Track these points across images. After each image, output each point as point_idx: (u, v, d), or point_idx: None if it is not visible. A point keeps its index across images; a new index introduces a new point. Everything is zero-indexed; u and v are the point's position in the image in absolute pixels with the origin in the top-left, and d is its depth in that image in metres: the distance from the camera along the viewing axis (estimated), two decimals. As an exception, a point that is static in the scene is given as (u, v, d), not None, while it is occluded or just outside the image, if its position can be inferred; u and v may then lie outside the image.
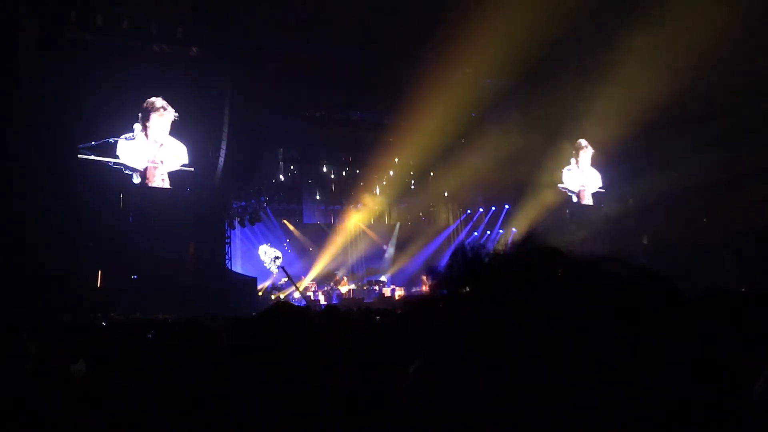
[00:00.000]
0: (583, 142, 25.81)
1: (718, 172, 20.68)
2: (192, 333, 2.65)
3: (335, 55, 20.10)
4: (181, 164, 18.71)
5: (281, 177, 24.15)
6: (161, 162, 18.38)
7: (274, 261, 23.64)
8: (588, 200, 25.91)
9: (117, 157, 17.72)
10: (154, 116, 18.33)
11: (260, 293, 21.13)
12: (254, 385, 2.17)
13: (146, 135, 18.21)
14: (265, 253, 23.89)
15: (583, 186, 25.89)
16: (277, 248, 24.05)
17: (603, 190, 26.03)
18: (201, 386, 2.45)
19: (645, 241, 26.05)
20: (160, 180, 18.38)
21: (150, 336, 3.66)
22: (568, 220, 25.12)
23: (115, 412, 2.39)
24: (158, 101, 18.37)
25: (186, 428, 2.19)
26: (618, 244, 25.12)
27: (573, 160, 25.81)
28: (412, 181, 25.57)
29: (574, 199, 25.70)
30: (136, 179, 18.08)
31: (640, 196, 23.50)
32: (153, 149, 18.31)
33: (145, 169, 18.16)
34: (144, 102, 18.24)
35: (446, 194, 26.32)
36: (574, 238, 24.43)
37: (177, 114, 18.53)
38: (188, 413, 2.25)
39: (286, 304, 2.37)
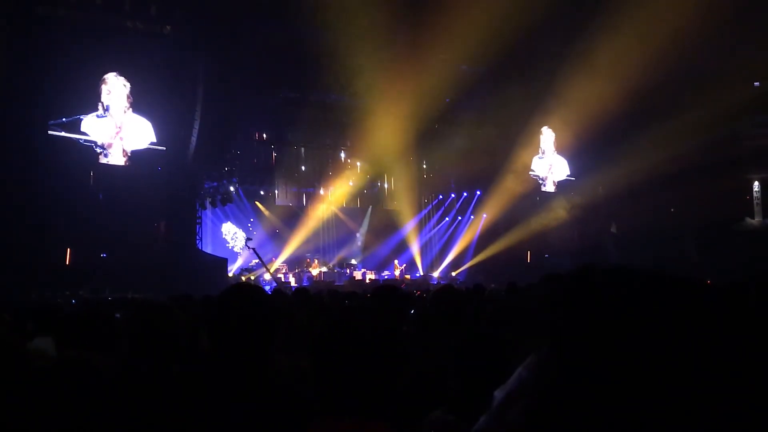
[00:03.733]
0: (549, 129, 26.01)
1: (687, 163, 20.99)
2: (157, 313, 2.70)
3: (310, 37, 20.01)
4: (149, 142, 18.55)
5: (254, 158, 24.01)
6: (121, 138, 18.19)
7: (243, 241, 23.60)
8: (554, 187, 26.17)
9: (84, 133, 17.55)
10: (111, 90, 18.13)
11: (230, 274, 21.10)
12: (218, 364, 2.23)
13: (106, 110, 18.00)
14: (228, 231, 23.81)
15: (551, 173, 26.14)
16: (240, 227, 23.99)
17: (573, 178, 26.29)
18: (165, 366, 2.51)
19: (614, 230, 26.41)
20: (119, 157, 18.19)
21: (117, 316, 3.71)
22: (537, 207, 25.33)
23: (80, 390, 2.44)
24: (113, 75, 18.15)
25: (150, 407, 2.24)
26: (586, 231, 25.47)
27: (543, 148, 26.03)
28: (385, 166, 25.59)
29: (544, 185, 25.95)
30: (107, 157, 17.94)
31: (610, 185, 23.78)
32: (112, 125, 18.10)
33: (106, 145, 17.99)
34: (102, 78, 18.05)
35: (419, 179, 26.39)
36: (544, 224, 24.71)
37: (129, 89, 18.33)
38: (153, 392, 2.30)
39: (245, 285, 2.43)
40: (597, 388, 0.79)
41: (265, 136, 24.17)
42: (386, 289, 3.98)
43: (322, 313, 4.54)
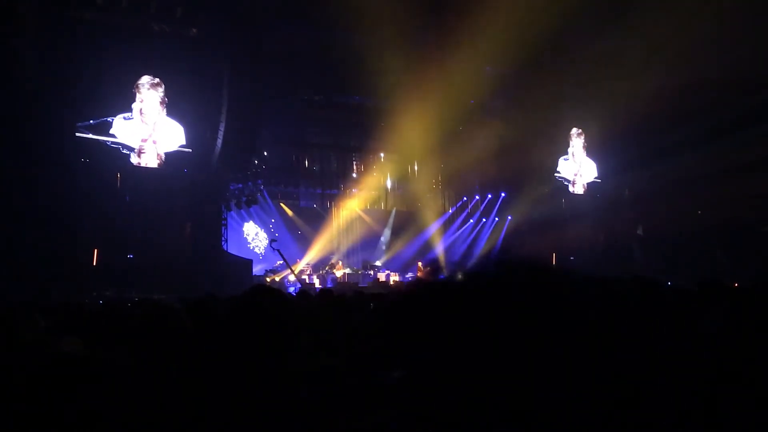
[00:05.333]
0: (579, 131, 25.82)
1: (715, 165, 20.75)
2: (182, 312, 2.70)
3: (335, 39, 20.06)
4: (179, 145, 18.73)
5: (278, 160, 24.14)
6: (154, 141, 18.38)
7: (265, 241, 23.72)
8: (583, 189, 25.96)
9: (113, 135, 17.75)
10: (144, 94, 18.33)
11: (255, 275, 21.20)
12: (240, 365, 2.22)
13: (140, 114, 18.23)
14: (250, 231, 23.92)
15: (578, 175, 25.94)
16: (262, 228, 24.09)
17: (599, 180, 26.07)
18: (189, 364, 2.51)
19: (640, 232, 26.16)
20: (152, 159, 18.38)
21: (141, 314, 3.72)
22: (563, 209, 25.16)
23: (105, 386, 2.44)
24: (148, 78, 18.36)
25: (175, 405, 2.24)
26: (613, 234, 25.26)
27: (570, 149, 25.85)
28: (409, 167, 25.59)
29: (570, 188, 25.75)
30: (134, 159, 18.12)
31: (636, 187, 23.56)
32: (146, 128, 18.32)
33: (139, 148, 18.19)
34: (136, 80, 18.25)
35: (443, 181, 26.35)
36: (570, 227, 24.53)
37: (164, 92, 18.53)
38: (176, 390, 2.30)
39: (266, 287, 2.42)
40: None
41: (289, 137, 24.29)
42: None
43: (349, 313, 4.54)
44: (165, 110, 18.56)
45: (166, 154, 18.58)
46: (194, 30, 19.29)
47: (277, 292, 2.44)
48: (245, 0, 18.96)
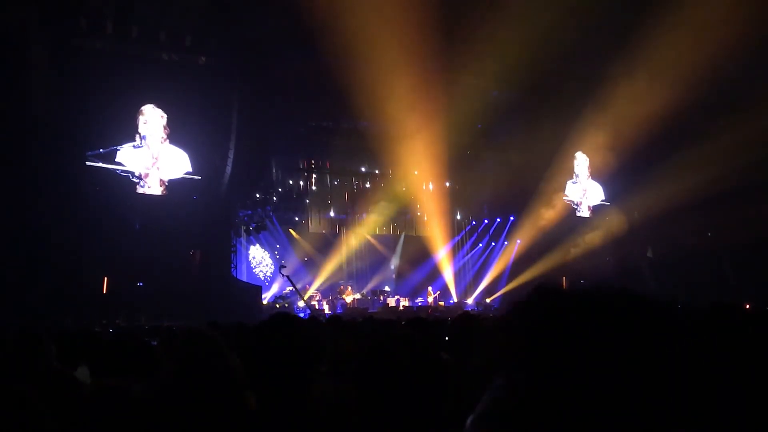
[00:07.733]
0: (586, 154, 25.79)
1: (724, 186, 20.66)
2: (196, 340, 2.69)
3: (342, 65, 20.18)
4: (185, 172, 18.78)
5: (287, 186, 24.21)
6: (157, 168, 18.46)
7: (270, 266, 23.74)
8: (591, 213, 25.90)
9: (119, 163, 17.85)
10: (147, 121, 18.44)
11: (265, 302, 21.17)
12: (258, 391, 2.21)
13: (143, 141, 18.32)
14: (255, 256, 23.92)
15: (585, 198, 25.89)
16: (267, 253, 24.10)
17: (607, 203, 26.01)
18: (205, 392, 2.50)
19: (650, 254, 26.04)
20: (155, 186, 18.44)
21: (154, 343, 3.72)
22: (572, 232, 25.06)
23: (118, 417, 2.43)
24: (151, 106, 18.48)
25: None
26: (623, 256, 25.14)
27: (577, 172, 25.81)
28: (418, 192, 25.58)
29: (579, 211, 25.68)
30: (144, 187, 18.20)
31: (645, 210, 23.47)
32: (150, 155, 18.40)
33: (145, 175, 18.28)
34: (139, 109, 18.38)
35: (451, 205, 26.31)
36: (579, 249, 24.45)
37: (167, 119, 18.62)
38: (191, 419, 2.28)
39: (287, 314, 2.42)
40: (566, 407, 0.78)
41: (298, 163, 24.38)
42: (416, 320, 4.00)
43: (358, 340, 4.53)
44: (167, 137, 18.65)
45: (175, 181, 18.65)
46: (203, 58, 19.48)
47: (297, 318, 2.44)
48: (254, 28, 19.10)
